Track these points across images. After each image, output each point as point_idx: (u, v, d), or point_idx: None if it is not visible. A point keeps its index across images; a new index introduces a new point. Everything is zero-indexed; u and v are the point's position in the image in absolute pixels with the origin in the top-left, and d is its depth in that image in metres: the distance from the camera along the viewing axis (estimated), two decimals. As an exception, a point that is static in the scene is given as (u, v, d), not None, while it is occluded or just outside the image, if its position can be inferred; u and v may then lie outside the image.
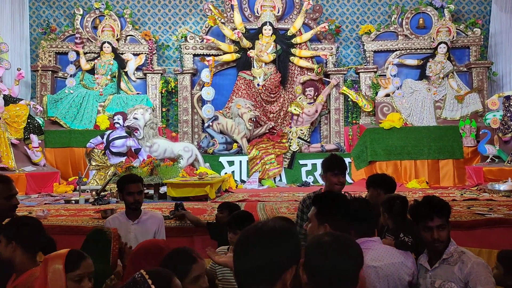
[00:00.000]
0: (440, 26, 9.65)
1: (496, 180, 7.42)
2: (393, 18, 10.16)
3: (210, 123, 9.51)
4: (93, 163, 8.40)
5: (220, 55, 9.81)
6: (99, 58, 9.81)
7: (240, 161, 9.18)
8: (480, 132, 8.64)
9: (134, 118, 8.50)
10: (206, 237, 4.18)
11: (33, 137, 8.45)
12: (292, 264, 1.33)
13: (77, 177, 7.49)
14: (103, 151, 8.42)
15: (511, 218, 4.53)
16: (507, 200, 6.06)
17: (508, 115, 8.22)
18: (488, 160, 8.38)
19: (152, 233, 3.40)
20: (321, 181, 8.95)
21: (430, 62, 9.64)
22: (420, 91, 9.58)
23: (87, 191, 7.29)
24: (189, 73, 9.85)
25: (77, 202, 6.21)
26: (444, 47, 9.54)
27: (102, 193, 6.51)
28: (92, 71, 9.85)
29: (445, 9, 9.91)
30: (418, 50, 9.96)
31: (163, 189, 6.69)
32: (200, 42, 9.92)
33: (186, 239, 4.13)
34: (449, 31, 9.61)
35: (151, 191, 6.67)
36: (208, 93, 9.45)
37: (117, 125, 8.50)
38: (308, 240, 1.58)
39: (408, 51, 9.98)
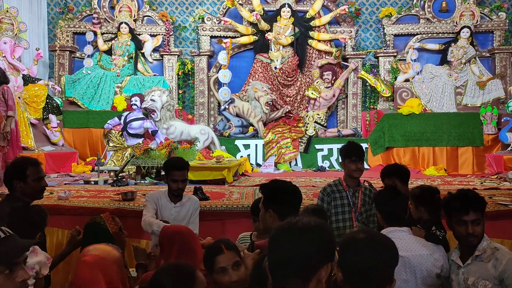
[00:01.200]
0: (463, 9, 9.39)
1: (517, 169, 7.30)
2: (415, 1, 9.90)
3: (227, 106, 9.48)
4: (111, 144, 8.46)
5: (238, 37, 9.70)
6: (116, 38, 9.79)
7: (256, 145, 9.16)
8: (502, 120, 8.47)
9: (151, 100, 8.50)
10: (239, 221, 4.21)
11: (52, 117, 8.52)
12: (327, 261, 1.31)
13: (95, 158, 7.58)
14: (120, 132, 8.47)
15: (534, 209, 4.45)
16: (528, 190, 5.95)
17: (532, 102, 8.02)
18: (509, 148, 8.23)
19: (189, 215, 3.53)
20: (337, 166, 8.95)
21: (452, 47, 9.42)
22: (441, 77, 9.39)
23: (105, 172, 7.37)
24: (206, 55, 9.78)
25: (96, 183, 6.28)
26: (467, 32, 9.29)
27: (121, 175, 6.57)
28: (109, 52, 9.84)
29: (469, -8, 9.62)
30: (440, 34, 9.72)
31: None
32: (218, 23, 9.81)
33: (217, 222, 4.17)
34: (473, 15, 9.34)
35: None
36: (224, 75, 9.39)
37: (134, 107, 8.51)
38: (342, 237, 1.56)
39: (429, 35, 9.75)
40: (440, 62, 9.59)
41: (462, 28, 9.31)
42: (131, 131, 8.38)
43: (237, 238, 3.33)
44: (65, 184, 6.31)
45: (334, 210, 3.30)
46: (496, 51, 9.47)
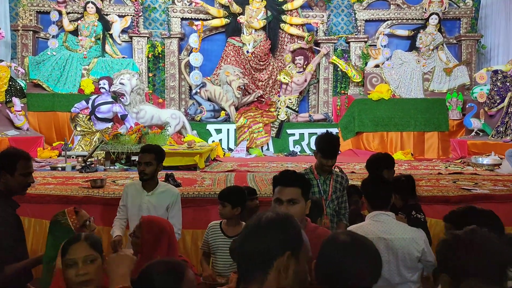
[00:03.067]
0: (432, -4, 9.54)
1: (480, 154, 7.58)
2: (386, -14, 9.97)
3: (198, 90, 9.37)
4: (78, 129, 8.24)
5: (209, 19, 9.54)
6: (82, 19, 9.44)
7: (228, 129, 9.13)
8: (467, 106, 8.74)
9: (120, 83, 8.30)
10: (210, 207, 4.21)
11: (15, 100, 8.21)
12: (285, 250, 1.30)
13: (62, 142, 7.38)
14: (88, 116, 8.25)
15: (496, 194, 4.65)
16: (490, 174, 6.21)
17: (495, 89, 8.30)
18: (473, 133, 8.53)
19: (165, 207, 3.41)
20: (308, 151, 9.05)
21: (421, 33, 9.58)
22: (409, 63, 9.57)
23: (73, 157, 7.19)
24: (176, 37, 9.59)
25: (63, 169, 6.12)
26: (436, 18, 9.46)
27: (89, 160, 6.43)
28: (75, 33, 9.49)
29: (438, -21, 9.75)
30: (410, 21, 9.86)
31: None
32: (189, 5, 9.61)
33: (188, 209, 4.13)
34: (441, 2, 9.51)
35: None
36: (196, 59, 9.25)
37: (102, 90, 8.29)
38: (325, 238, 1.55)
39: (399, 21, 9.88)
40: (409, 48, 9.76)
41: (430, 14, 9.48)
42: (99, 115, 8.18)
43: (207, 227, 3.34)
44: (31, 170, 6.11)
45: None
46: (462, 38, 9.70)
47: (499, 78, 8.32)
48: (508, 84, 8.22)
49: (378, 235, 2.50)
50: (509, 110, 7.98)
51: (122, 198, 3.54)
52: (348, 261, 1.42)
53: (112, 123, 8.18)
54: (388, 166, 3.62)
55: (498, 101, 8.23)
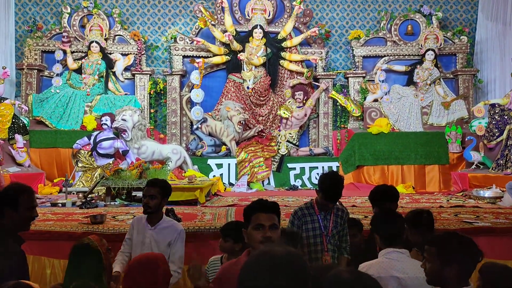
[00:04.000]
0: (428, 33, 9.79)
1: (481, 186, 7.57)
2: (382, 24, 10.26)
3: (199, 125, 9.47)
4: (80, 165, 8.27)
5: (210, 57, 9.77)
6: (86, 57, 9.67)
7: (229, 164, 9.15)
8: (466, 139, 8.79)
9: (122, 119, 8.39)
10: (212, 242, 4.17)
11: (18, 137, 8.28)
12: None
13: (63, 179, 7.38)
14: (89, 152, 8.30)
15: (498, 226, 4.62)
16: (492, 207, 6.18)
17: (493, 122, 8.38)
18: (473, 166, 8.53)
19: (167, 242, 3.35)
20: (309, 185, 9.04)
21: (417, 68, 9.77)
22: (408, 97, 9.70)
23: (74, 193, 7.18)
24: (178, 74, 9.78)
25: (64, 205, 6.11)
26: (432, 54, 9.67)
27: (90, 196, 6.42)
28: (79, 71, 9.70)
29: (433, 17, 10.06)
30: (406, 57, 10.08)
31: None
32: (190, 43, 9.86)
33: (189, 244, 4.08)
34: (437, 38, 9.75)
35: (140, 194, 6.59)
36: (197, 95, 9.40)
37: (104, 126, 8.38)
38: (326, 276, 1.52)
39: (396, 57, 10.10)
40: (407, 83, 9.92)
41: (426, 50, 9.69)
42: (101, 151, 8.22)
43: (207, 261, 3.31)
44: (31, 206, 6.10)
45: (305, 234, 3.24)
46: (459, 73, 9.88)
47: (496, 111, 8.42)
48: (506, 117, 8.31)
49: (391, 273, 2.42)
50: (508, 143, 8.02)
51: (129, 230, 3.53)
52: None
53: (113, 159, 8.22)
54: (392, 198, 3.54)
55: (497, 134, 8.29)
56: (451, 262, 2.03)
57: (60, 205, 6.13)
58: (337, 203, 3.77)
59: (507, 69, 9.27)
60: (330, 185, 3.20)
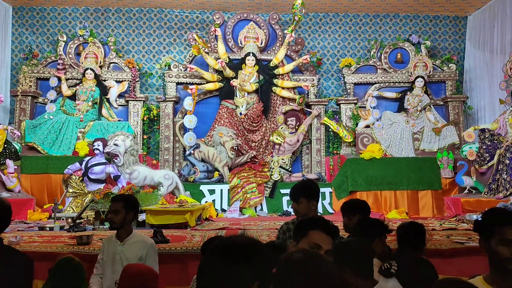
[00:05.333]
0: (417, 61, 9.99)
1: (474, 211, 7.53)
2: (372, 53, 10.47)
3: (192, 151, 9.47)
4: (70, 190, 8.19)
5: (203, 83, 9.89)
6: (81, 84, 9.77)
7: (221, 190, 9.10)
8: (458, 164, 8.83)
9: (114, 144, 8.40)
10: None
11: (9, 162, 8.24)
12: (255, 279, 1.29)
13: (53, 204, 7.30)
14: (81, 178, 8.25)
15: (489, 246, 4.56)
16: (485, 230, 6.12)
17: (484, 147, 8.43)
18: (466, 191, 8.52)
19: (138, 257, 3.31)
20: (302, 211, 8.95)
21: (408, 95, 9.91)
22: (399, 123, 9.79)
23: (63, 219, 7.08)
24: (171, 101, 9.87)
25: (51, 229, 6.02)
26: (421, 81, 9.84)
27: (78, 220, 6.34)
28: (73, 97, 9.77)
29: (421, 45, 10.29)
30: (397, 84, 10.24)
31: (142, 217, 6.55)
32: (184, 70, 10.00)
33: (178, 265, 4.01)
34: (426, 66, 9.94)
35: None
36: (190, 121, 9.45)
37: (96, 152, 8.37)
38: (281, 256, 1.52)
39: (387, 84, 10.26)
40: (398, 109, 10.04)
41: (416, 78, 9.86)
42: (92, 176, 8.19)
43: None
44: (18, 230, 6.01)
45: None
46: (449, 100, 10.02)
47: (486, 136, 8.49)
48: (496, 142, 8.37)
49: None
50: (499, 167, 8.05)
51: (100, 252, 3.50)
52: (301, 279, 1.38)
53: (104, 184, 8.16)
54: (363, 212, 3.49)
55: (487, 159, 8.33)
56: None
57: (48, 229, 6.04)
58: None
59: (496, 96, 9.43)
60: (311, 188, 3.31)
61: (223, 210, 8.83)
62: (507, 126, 8.44)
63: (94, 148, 8.42)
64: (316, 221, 2.08)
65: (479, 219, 2.09)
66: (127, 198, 3.50)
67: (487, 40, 10.13)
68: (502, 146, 8.17)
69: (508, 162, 7.92)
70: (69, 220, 6.55)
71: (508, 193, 7.71)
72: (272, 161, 9.66)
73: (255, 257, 1.31)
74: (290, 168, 9.80)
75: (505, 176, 7.87)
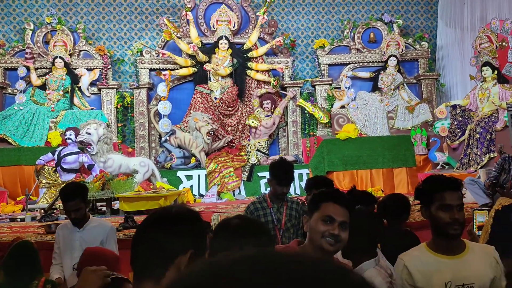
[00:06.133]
0: (389, 40, 10.04)
1: (447, 186, 7.67)
2: (345, 33, 10.48)
3: (168, 138, 9.39)
4: (43, 181, 8.05)
5: (177, 69, 9.76)
6: (50, 73, 9.53)
7: (199, 175, 9.07)
8: (430, 140, 8.97)
9: (86, 133, 8.26)
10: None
11: (-22, 155, 8.04)
12: (188, 248, 1.28)
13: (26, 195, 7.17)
14: (54, 168, 8.11)
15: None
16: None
17: (455, 123, 8.58)
18: (439, 167, 8.68)
19: (98, 242, 3.26)
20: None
21: (381, 74, 9.98)
22: (373, 103, 9.87)
23: (36, 210, 6.97)
24: (145, 87, 9.73)
25: (23, 220, 5.92)
26: (394, 60, 9.91)
27: (51, 211, 6.25)
28: (43, 87, 9.54)
29: (394, 24, 10.34)
30: (370, 63, 10.30)
31: (117, 205, 6.49)
32: (156, 56, 9.85)
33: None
34: (398, 45, 10.00)
35: (103, 206, 6.46)
36: (164, 107, 9.34)
37: (69, 141, 8.22)
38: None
39: (360, 64, 10.30)
40: (372, 89, 10.11)
41: (389, 57, 9.92)
42: (65, 166, 8.05)
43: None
44: (-12, 223, 5.90)
45: None
46: (421, 78, 10.13)
47: (458, 112, 8.63)
48: (467, 117, 8.52)
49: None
50: (470, 142, 8.21)
51: (56, 241, 3.42)
52: (237, 244, 1.40)
53: (78, 173, 8.04)
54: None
55: (459, 134, 8.48)
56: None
57: (19, 220, 5.94)
58: (299, 200, 3.74)
59: (467, 72, 9.56)
60: (281, 169, 3.22)
61: (201, 196, 8.81)
62: (477, 101, 8.59)
63: (66, 137, 8.26)
64: (328, 193, 2.00)
65: (420, 187, 2.12)
66: (80, 191, 3.28)
67: (458, 18, 10.23)
68: (473, 121, 8.33)
69: (478, 136, 8.08)
70: (42, 210, 6.46)
71: (479, 166, 7.87)
72: (249, 144, 9.65)
73: (185, 226, 1.29)
74: (267, 151, 9.82)
75: (476, 150, 8.04)
